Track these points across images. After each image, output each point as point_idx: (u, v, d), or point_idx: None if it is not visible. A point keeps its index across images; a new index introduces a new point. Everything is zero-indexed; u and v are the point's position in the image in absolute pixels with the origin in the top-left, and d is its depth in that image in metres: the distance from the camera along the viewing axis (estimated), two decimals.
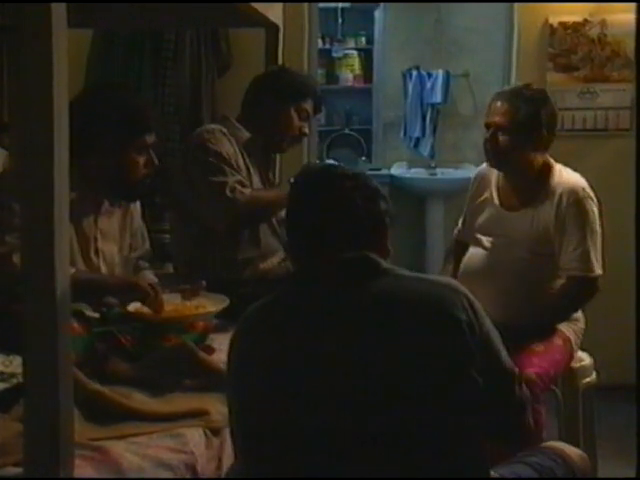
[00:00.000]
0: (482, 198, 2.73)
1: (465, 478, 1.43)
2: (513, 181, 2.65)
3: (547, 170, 2.59)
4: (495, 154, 2.59)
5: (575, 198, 2.52)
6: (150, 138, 2.22)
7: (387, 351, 1.39)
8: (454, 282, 1.53)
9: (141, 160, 2.21)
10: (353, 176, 1.54)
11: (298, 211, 1.56)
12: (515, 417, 1.55)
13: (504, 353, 1.51)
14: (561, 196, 2.53)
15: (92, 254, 2.22)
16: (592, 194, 2.56)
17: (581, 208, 2.52)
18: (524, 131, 2.53)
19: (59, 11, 1.20)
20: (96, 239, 2.24)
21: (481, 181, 2.76)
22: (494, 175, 2.71)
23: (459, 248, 2.86)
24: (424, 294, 1.45)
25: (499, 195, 2.69)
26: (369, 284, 1.44)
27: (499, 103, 2.58)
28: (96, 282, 2.17)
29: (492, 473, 1.57)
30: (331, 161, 4.75)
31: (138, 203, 2.44)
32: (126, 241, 2.38)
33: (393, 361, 1.39)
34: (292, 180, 1.71)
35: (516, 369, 1.55)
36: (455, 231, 2.93)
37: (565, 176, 2.58)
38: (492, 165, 2.66)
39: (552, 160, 2.62)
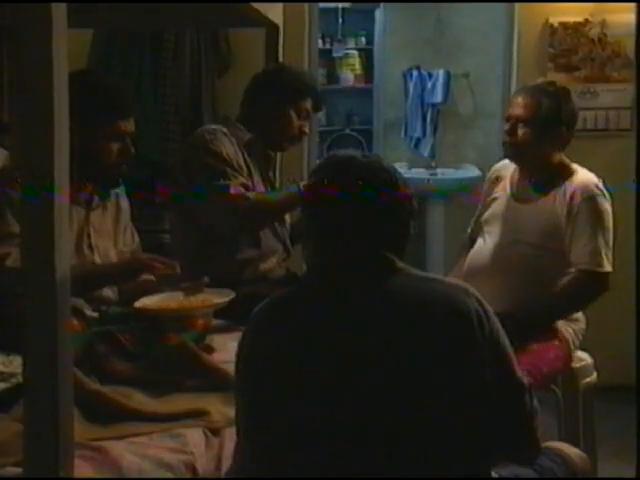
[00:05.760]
0: (495, 194, 2.76)
1: (465, 478, 1.43)
2: (528, 175, 2.68)
3: (562, 168, 2.62)
4: (513, 146, 2.62)
5: (588, 195, 2.54)
6: (125, 125, 2.14)
7: (400, 349, 1.40)
8: (464, 284, 1.53)
9: (114, 147, 2.12)
10: (398, 172, 1.61)
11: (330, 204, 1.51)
12: (524, 427, 1.52)
13: (513, 359, 1.49)
14: (574, 192, 2.55)
15: (85, 249, 2.20)
16: (606, 192, 2.57)
17: (594, 205, 2.54)
18: (544, 125, 2.56)
19: (59, 11, 1.20)
20: (89, 235, 2.23)
21: (495, 179, 2.80)
22: (509, 171, 2.74)
23: (471, 245, 2.87)
24: (437, 293, 1.45)
25: (512, 187, 2.71)
26: (384, 282, 1.45)
27: (521, 97, 2.61)
28: (94, 272, 2.15)
29: (492, 473, 1.57)
30: None
31: (127, 201, 2.42)
32: (120, 237, 2.37)
33: (406, 359, 1.40)
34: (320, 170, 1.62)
35: (526, 379, 1.51)
36: (468, 229, 2.94)
37: (580, 173, 2.61)
38: (508, 156, 2.69)
39: (568, 160, 2.65)
